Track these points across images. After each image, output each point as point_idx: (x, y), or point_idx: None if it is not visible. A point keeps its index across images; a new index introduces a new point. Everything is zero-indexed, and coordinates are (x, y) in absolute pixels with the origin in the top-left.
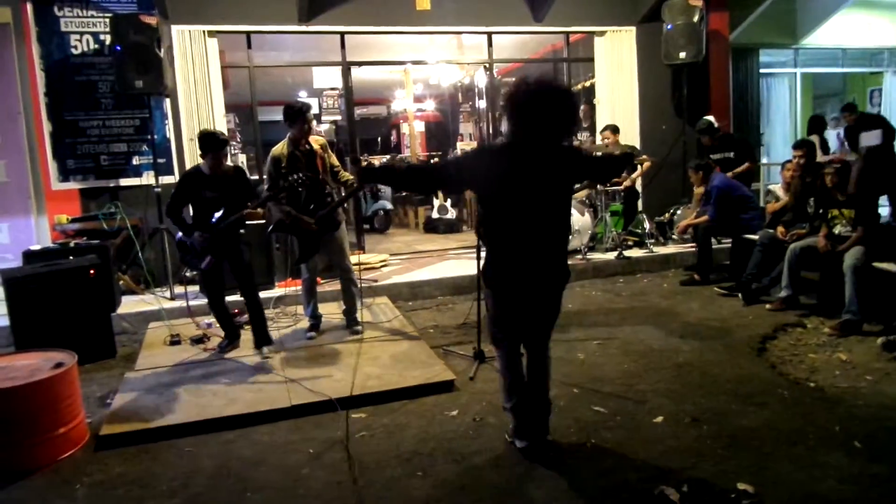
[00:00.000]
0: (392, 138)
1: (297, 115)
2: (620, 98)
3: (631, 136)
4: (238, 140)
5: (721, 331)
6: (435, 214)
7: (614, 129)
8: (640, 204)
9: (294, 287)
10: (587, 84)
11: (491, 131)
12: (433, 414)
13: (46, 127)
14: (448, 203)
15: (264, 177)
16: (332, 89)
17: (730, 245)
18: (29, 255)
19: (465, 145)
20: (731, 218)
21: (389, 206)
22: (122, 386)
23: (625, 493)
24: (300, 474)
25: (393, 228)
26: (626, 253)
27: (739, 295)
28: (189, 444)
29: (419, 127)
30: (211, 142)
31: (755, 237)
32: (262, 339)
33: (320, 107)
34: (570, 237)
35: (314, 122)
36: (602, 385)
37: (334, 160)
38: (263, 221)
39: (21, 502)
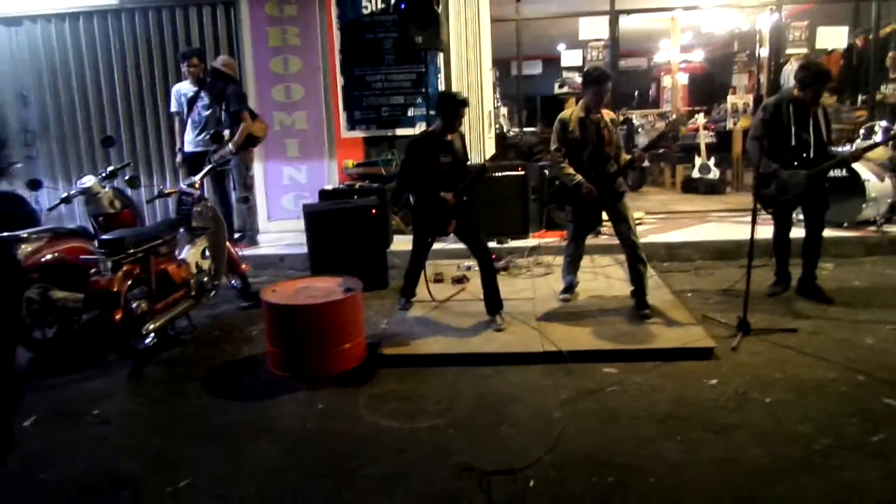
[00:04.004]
0: (651, 92)
1: (594, 82)
2: None
3: None
4: (498, 94)
5: None
6: (695, 174)
7: None
8: None
9: (548, 238)
10: None
11: (770, 83)
12: (689, 380)
13: (339, 81)
14: (711, 162)
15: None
16: (597, 41)
17: None
18: (323, 194)
19: (737, 99)
20: None
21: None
22: (395, 314)
23: None
24: (552, 416)
25: (646, 187)
26: None
27: None
28: (451, 373)
29: (683, 79)
30: (458, 103)
31: None
32: (494, 306)
33: (584, 59)
34: (864, 206)
35: (608, 93)
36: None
37: (619, 139)
38: (522, 173)
39: (317, 402)
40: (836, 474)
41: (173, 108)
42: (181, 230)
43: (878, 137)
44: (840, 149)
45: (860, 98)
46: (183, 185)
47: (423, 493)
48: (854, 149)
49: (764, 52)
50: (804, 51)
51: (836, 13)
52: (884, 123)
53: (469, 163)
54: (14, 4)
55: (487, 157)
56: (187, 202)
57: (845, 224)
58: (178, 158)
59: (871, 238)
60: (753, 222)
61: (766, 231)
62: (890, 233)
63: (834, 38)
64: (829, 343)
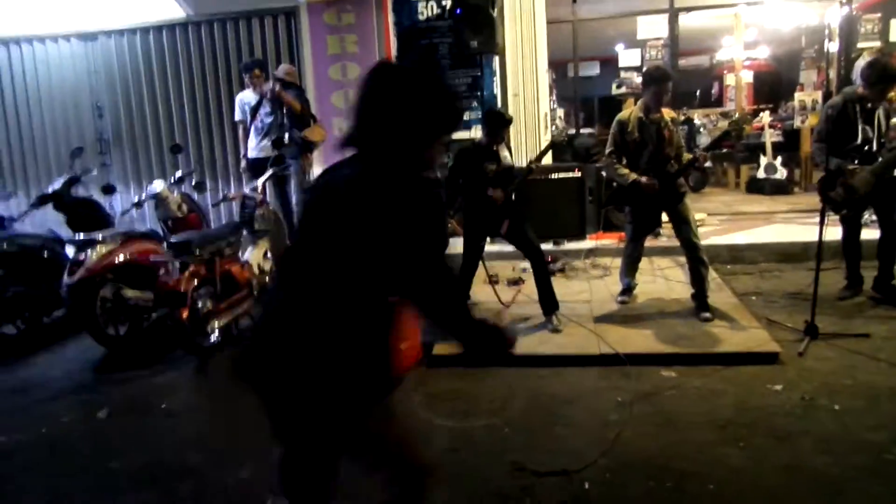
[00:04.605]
0: (713, 91)
1: (654, 82)
2: None
3: None
4: (555, 96)
5: None
6: (761, 174)
7: None
8: None
9: (605, 240)
10: None
11: (840, 79)
12: (752, 385)
13: None
14: (777, 161)
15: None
16: (656, 39)
17: None
18: None
19: (804, 96)
20: None
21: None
22: None
23: None
24: (608, 419)
25: (709, 188)
26: None
27: None
28: (507, 373)
29: (747, 77)
30: (503, 123)
31: None
32: (550, 306)
33: (643, 58)
34: None
35: (668, 93)
36: None
37: (679, 139)
38: (579, 174)
39: None
40: None
41: (237, 116)
42: (244, 232)
43: None
44: None
45: None
46: (246, 190)
47: (475, 491)
48: None
49: (833, 46)
50: (877, 44)
51: None
52: None
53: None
54: (90, 21)
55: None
56: (250, 206)
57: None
58: (243, 164)
59: None
60: (822, 223)
61: (835, 233)
62: None
63: None
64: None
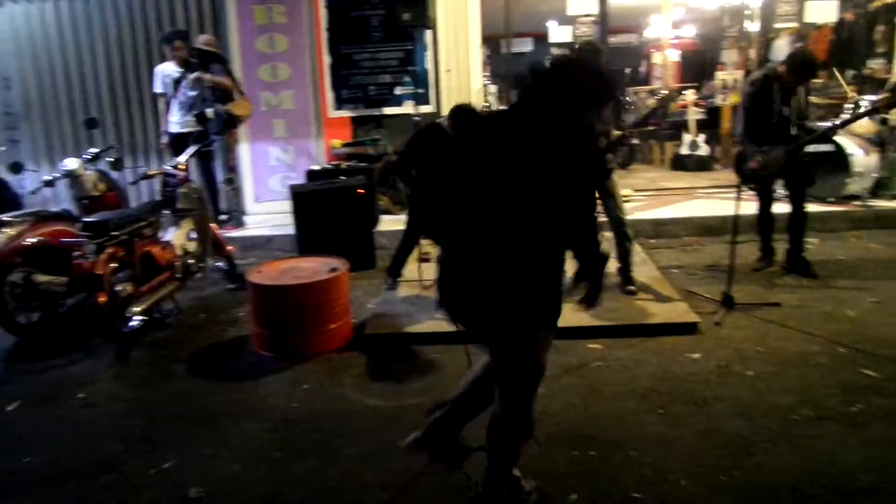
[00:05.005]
0: (642, 69)
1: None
2: None
3: None
4: (488, 72)
5: None
6: (684, 151)
7: None
8: None
9: None
10: (889, 1)
11: (759, 58)
12: (673, 354)
13: (326, 60)
14: (700, 139)
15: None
16: (586, 16)
17: None
18: (310, 174)
19: (726, 75)
20: None
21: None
22: (381, 294)
23: None
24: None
25: (636, 164)
26: None
27: None
28: (437, 351)
29: (674, 56)
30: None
31: None
32: None
33: (574, 35)
34: (848, 180)
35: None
36: (875, 347)
37: (608, 115)
38: None
39: (302, 382)
40: (815, 444)
41: (157, 89)
42: (166, 212)
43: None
44: (822, 124)
45: (850, 73)
46: (167, 167)
47: (405, 469)
48: (832, 124)
49: (753, 27)
50: (794, 25)
51: None
52: (871, 98)
53: None
54: None
55: None
56: (172, 184)
57: (831, 199)
58: (164, 140)
59: (856, 212)
60: (738, 198)
61: (751, 207)
62: (875, 207)
63: (823, 12)
64: (812, 316)
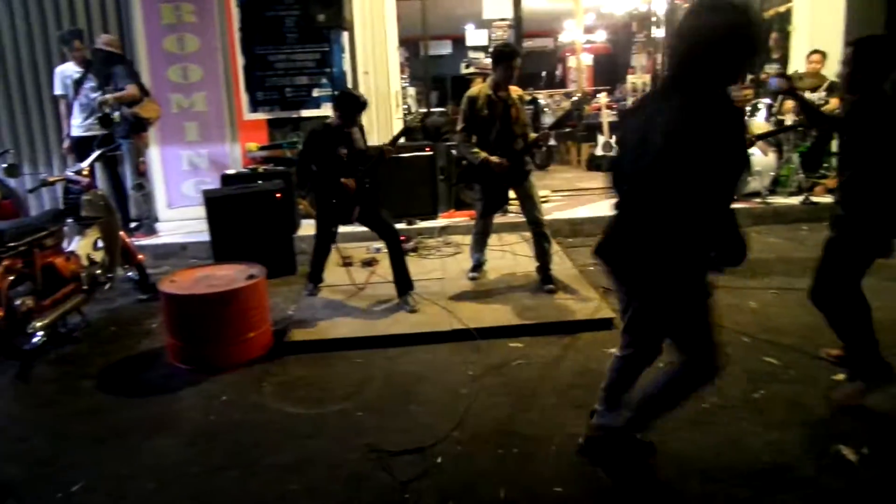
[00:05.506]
0: (558, 73)
1: (505, 58)
2: (821, 24)
3: (831, 67)
4: (407, 74)
5: None
6: (599, 152)
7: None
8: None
9: (457, 218)
10: (781, 9)
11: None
12: (591, 350)
13: (240, 61)
14: (613, 140)
15: (458, 117)
16: (502, 20)
17: None
18: (225, 178)
19: (636, 78)
20: None
21: None
22: (302, 300)
23: (796, 449)
24: (459, 393)
25: (554, 165)
26: (814, 198)
27: None
28: (359, 356)
29: (587, 60)
30: (359, 106)
31: None
32: (404, 287)
33: (490, 38)
34: (749, 179)
35: (517, 70)
36: (777, 336)
37: (526, 118)
38: (430, 153)
39: (220, 393)
40: (722, 430)
41: (58, 90)
42: (69, 220)
43: (761, 115)
44: None
45: (748, 77)
46: (70, 173)
47: (329, 475)
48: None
49: (660, 32)
50: None
51: None
52: (767, 101)
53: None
54: None
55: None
56: (75, 191)
57: (734, 196)
58: (66, 144)
59: (757, 209)
60: None
61: None
62: (773, 203)
63: None
64: (718, 308)
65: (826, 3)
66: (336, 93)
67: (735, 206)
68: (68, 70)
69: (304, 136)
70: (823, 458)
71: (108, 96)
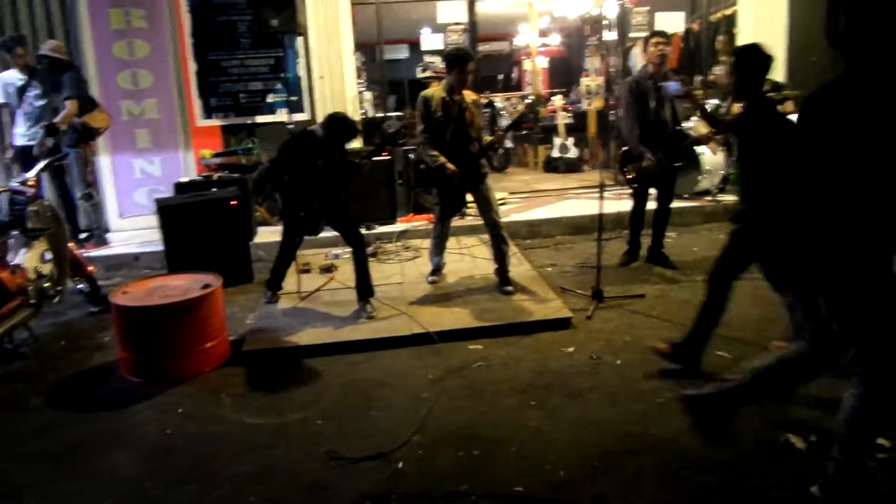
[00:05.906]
0: (514, 75)
1: (458, 62)
2: (765, 27)
3: (775, 69)
4: (363, 79)
5: None
6: (555, 153)
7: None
8: None
9: (416, 222)
10: (727, 12)
11: (619, 65)
12: (549, 350)
13: (192, 67)
14: (570, 142)
15: (416, 120)
16: (457, 24)
17: None
18: (179, 186)
19: (590, 81)
20: None
21: None
22: (260, 309)
23: (748, 439)
24: (420, 397)
25: (511, 167)
26: None
27: None
28: (320, 363)
29: (542, 63)
30: (352, 134)
31: None
32: (365, 293)
33: (445, 42)
34: (700, 178)
35: (471, 74)
36: (726, 330)
37: (481, 121)
38: (388, 157)
39: (177, 406)
40: (676, 422)
41: (0, 99)
42: (14, 233)
43: None
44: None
45: (698, 79)
46: (14, 184)
47: (290, 484)
48: (703, 134)
49: (611, 36)
50: (645, 35)
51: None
52: (714, 102)
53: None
54: None
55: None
56: (20, 202)
57: (686, 195)
58: (9, 154)
59: (707, 207)
60: (601, 198)
61: (616, 205)
62: (723, 202)
63: (671, 22)
64: (672, 305)
65: (769, 6)
66: (330, 114)
67: (687, 204)
68: (11, 77)
69: (281, 147)
70: (772, 445)
71: (58, 122)
